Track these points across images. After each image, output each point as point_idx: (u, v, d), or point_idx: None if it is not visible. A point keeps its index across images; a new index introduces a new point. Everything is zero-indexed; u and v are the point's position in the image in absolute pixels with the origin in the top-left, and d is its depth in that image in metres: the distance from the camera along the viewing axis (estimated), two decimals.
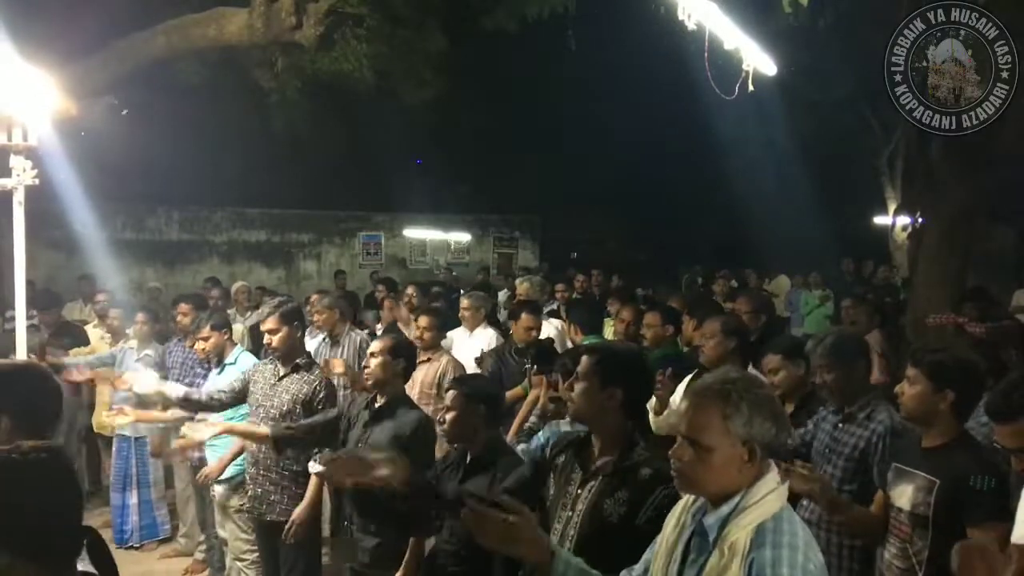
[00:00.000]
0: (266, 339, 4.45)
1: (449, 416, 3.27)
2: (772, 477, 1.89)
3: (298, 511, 4.16)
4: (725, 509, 1.87)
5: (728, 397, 1.87)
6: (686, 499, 2.04)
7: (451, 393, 3.32)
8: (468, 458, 3.27)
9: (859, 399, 3.31)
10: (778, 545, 1.78)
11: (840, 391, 3.33)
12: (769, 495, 1.86)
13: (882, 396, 3.32)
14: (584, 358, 2.61)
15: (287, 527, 4.14)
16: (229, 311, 8.24)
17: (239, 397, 4.46)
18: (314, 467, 3.99)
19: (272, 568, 4.41)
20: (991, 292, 6.19)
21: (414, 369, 4.28)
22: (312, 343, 5.98)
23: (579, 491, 2.52)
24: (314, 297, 6.40)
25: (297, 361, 4.34)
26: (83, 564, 1.71)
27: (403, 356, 3.96)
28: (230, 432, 4.36)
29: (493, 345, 5.99)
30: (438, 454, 5.09)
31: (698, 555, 1.91)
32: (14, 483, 1.56)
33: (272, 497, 4.27)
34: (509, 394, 4.81)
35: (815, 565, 1.80)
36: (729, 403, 1.86)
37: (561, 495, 2.57)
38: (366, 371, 4.02)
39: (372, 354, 3.95)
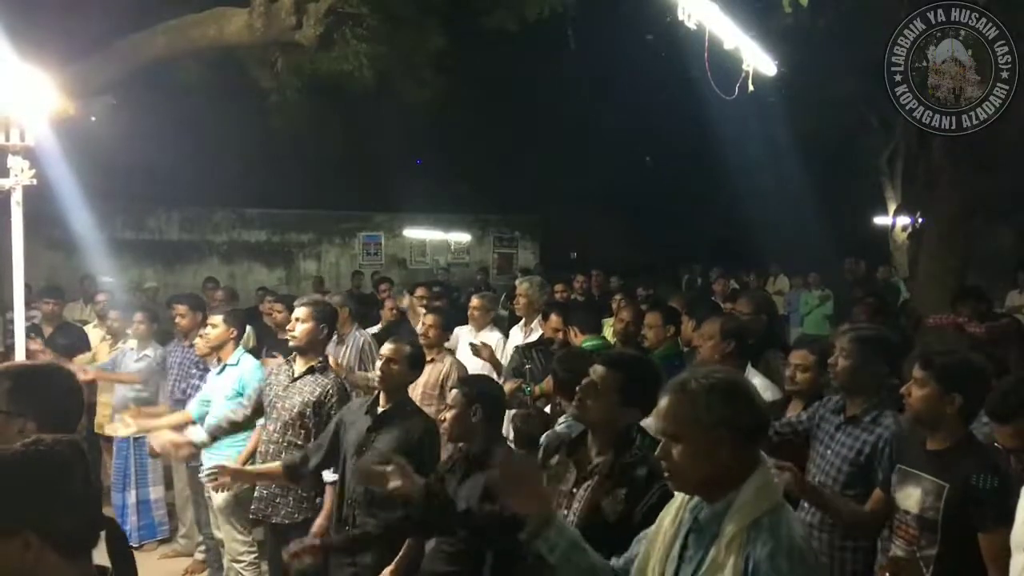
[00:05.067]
0: (289, 325, 4.42)
1: (449, 415, 3.28)
2: (765, 472, 1.92)
3: (318, 522, 4.05)
4: (720, 505, 1.90)
5: (686, 387, 1.93)
6: (683, 496, 2.05)
7: (453, 392, 3.34)
8: (467, 457, 3.27)
9: (863, 399, 3.27)
10: (776, 539, 1.81)
11: (846, 379, 3.30)
12: (762, 490, 1.89)
13: (889, 401, 3.29)
14: (605, 370, 2.62)
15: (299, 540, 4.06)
16: None
17: (259, 410, 4.44)
18: (329, 476, 3.96)
19: (277, 569, 4.39)
20: (985, 292, 6.18)
21: (419, 375, 4.26)
22: None
23: (575, 490, 2.55)
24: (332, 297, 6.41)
25: (312, 364, 4.30)
26: (100, 556, 1.75)
27: (419, 368, 3.94)
28: (250, 479, 4.21)
29: (500, 347, 5.98)
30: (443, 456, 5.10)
31: (695, 551, 1.94)
32: (36, 476, 1.60)
33: (278, 500, 4.27)
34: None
35: (812, 557, 1.84)
36: (686, 392, 1.92)
37: (559, 496, 2.58)
38: (381, 373, 3.85)
39: (390, 360, 3.76)
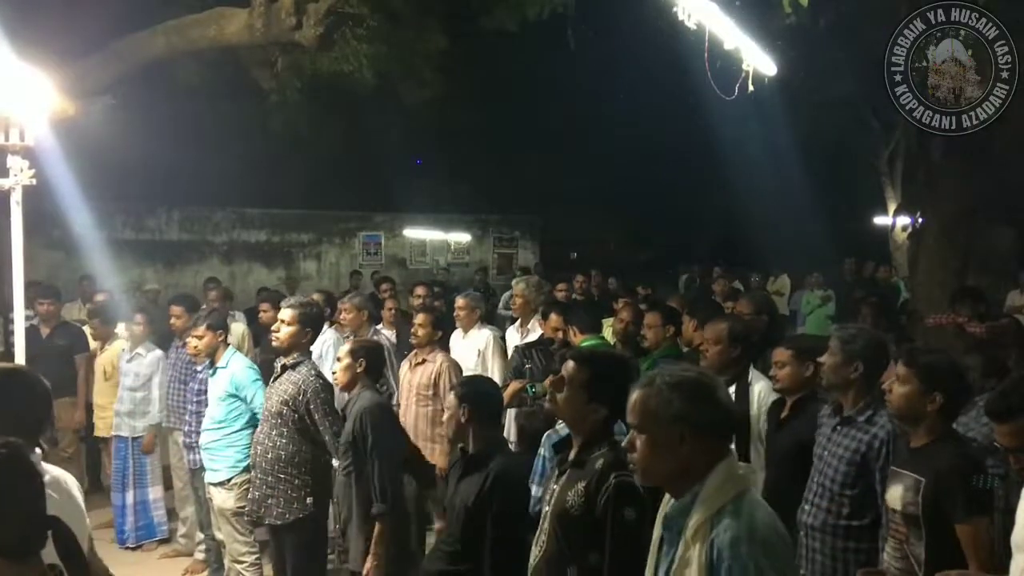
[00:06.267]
0: (275, 327, 4.48)
1: (447, 417, 3.32)
2: (730, 464, 1.96)
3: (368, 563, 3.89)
4: (687, 499, 1.94)
5: (652, 383, 1.99)
6: (668, 498, 2.08)
7: (450, 396, 3.38)
8: (465, 456, 3.29)
9: (855, 399, 3.28)
10: (738, 525, 1.84)
11: (829, 377, 3.34)
12: (727, 481, 1.91)
13: (882, 400, 3.30)
14: (574, 365, 2.66)
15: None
16: (234, 313, 8.31)
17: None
18: (378, 508, 3.82)
19: (280, 568, 4.43)
20: (983, 291, 6.18)
21: (380, 367, 4.37)
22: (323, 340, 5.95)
23: (554, 486, 2.62)
24: (345, 300, 6.46)
25: (286, 362, 4.38)
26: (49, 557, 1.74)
27: (363, 357, 4.11)
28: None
29: (490, 345, 5.98)
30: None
31: (669, 547, 1.99)
32: None
33: (269, 500, 4.28)
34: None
35: (777, 542, 1.86)
36: (652, 387, 1.98)
37: (547, 493, 2.67)
38: (334, 377, 4.20)
39: (338, 359, 4.13)
